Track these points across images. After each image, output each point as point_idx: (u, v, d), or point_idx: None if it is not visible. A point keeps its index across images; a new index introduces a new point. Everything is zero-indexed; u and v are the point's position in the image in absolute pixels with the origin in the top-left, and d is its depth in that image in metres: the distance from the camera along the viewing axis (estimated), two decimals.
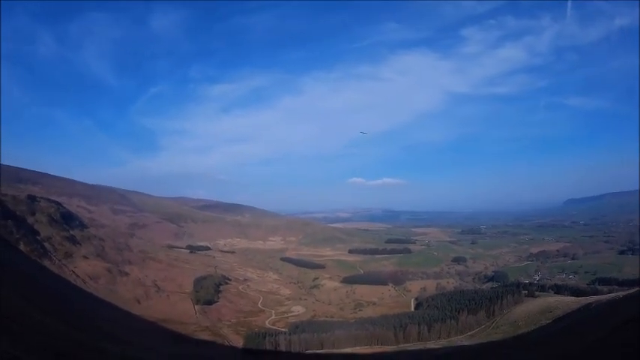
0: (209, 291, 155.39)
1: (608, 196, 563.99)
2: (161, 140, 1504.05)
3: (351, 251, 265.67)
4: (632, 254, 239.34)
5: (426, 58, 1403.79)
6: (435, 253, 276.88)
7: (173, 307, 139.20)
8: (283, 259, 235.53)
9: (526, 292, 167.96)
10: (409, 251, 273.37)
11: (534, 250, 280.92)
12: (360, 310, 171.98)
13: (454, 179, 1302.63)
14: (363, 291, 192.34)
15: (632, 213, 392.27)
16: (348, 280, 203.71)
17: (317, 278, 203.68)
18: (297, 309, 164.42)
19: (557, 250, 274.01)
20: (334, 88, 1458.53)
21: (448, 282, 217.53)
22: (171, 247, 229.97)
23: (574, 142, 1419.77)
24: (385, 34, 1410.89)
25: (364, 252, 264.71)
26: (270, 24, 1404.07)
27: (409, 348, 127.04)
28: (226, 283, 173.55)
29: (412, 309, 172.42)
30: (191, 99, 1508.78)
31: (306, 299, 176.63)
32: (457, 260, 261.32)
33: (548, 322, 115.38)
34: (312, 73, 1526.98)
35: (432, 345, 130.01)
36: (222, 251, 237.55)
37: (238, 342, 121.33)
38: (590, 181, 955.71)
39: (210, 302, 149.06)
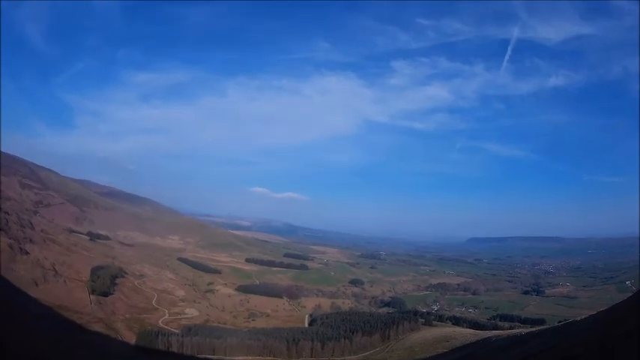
0: (105, 282, 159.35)
1: (512, 239, 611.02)
2: (77, 118, 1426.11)
3: (248, 260, 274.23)
4: (536, 295, 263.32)
5: (350, 83, 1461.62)
6: (332, 272, 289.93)
7: (69, 293, 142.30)
8: (180, 260, 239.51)
9: (423, 320, 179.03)
10: (306, 267, 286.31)
11: (434, 281, 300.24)
12: (253, 320, 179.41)
13: (359, 203, 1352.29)
14: (257, 301, 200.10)
15: (538, 257, 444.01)
16: (243, 289, 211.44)
17: (212, 283, 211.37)
18: (191, 311, 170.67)
19: (458, 284, 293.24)
20: (254, 95, 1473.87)
21: (344, 302, 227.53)
22: (71, 231, 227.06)
23: (484, 185, 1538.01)
24: (314, 52, 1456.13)
25: (261, 262, 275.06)
26: (203, 19, 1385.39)
27: None
28: (122, 277, 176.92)
29: (306, 324, 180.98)
30: (114, 81, 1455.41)
31: (200, 303, 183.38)
32: (354, 282, 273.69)
33: (445, 350, 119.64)
34: (235, 77, 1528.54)
35: None
36: (121, 243, 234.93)
37: (131, 338, 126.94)
38: (495, 223, 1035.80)
39: (105, 294, 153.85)
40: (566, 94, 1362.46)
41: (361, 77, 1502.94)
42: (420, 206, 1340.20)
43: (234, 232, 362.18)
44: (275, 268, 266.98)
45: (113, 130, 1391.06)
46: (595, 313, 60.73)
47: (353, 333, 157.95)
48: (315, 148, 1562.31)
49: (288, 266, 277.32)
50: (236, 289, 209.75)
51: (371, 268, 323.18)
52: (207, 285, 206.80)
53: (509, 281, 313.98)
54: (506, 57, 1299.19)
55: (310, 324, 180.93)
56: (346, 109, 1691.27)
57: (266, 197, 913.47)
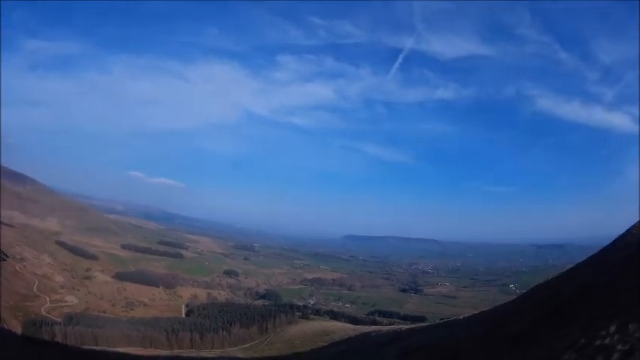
0: None
1: (389, 239, 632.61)
2: None
3: (123, 246, 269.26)
4: (414, 293, 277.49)
5: (234, 72, 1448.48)
6: (206, 262, 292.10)
7: None
8: (58, 243, 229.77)
9: (300, 313, 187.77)
10: (181, 256, 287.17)
11: (309, 275, 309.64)
12: (131, 309, 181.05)
13: (235, 194, 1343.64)
14: (134, 289, 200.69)
15: (415, 257, 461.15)
16: (120, 276, 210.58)
17: (90, 269, 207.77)
18: (71, 299, 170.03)
19: (333, 280, 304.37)
20: (137, 75, 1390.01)
21: (219, 293, 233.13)
22: None
23: (363, 184, 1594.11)
24: (203, 36, 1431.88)
25: (137, 249, 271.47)
26: None
27: (184, 354, 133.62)
28: (4, 259, 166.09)
29: (183, 315, 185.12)
30: (4, 46, 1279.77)
31: (79, 290, 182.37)
32: (229, 273, 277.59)
33: (325, 344, 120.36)
34: (122, 54, 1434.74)
35: (206, 354, 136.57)
36: (2, 223, 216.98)
37: (17, 327, 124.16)
38: (372, 223, 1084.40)
39: None
40: (453, 106, 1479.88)
41: (246, 67, 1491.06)
42: (296, 202, 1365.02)
43: (110, 216, 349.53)
44: (150, 256, 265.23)
45: None
46: (478, 312, 64.91)
47: (231, 324, 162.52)
48: (194, 135, 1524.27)
49: (163, 254, 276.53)
50: (113, 277, 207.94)
51: (245, 259, 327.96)
52: (86, 271, 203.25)
53: (385, 279, 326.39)
54: (396, 65, 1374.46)
55: (187, 314, 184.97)
56: (228, 99, 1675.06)
57: (142, 182, 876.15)
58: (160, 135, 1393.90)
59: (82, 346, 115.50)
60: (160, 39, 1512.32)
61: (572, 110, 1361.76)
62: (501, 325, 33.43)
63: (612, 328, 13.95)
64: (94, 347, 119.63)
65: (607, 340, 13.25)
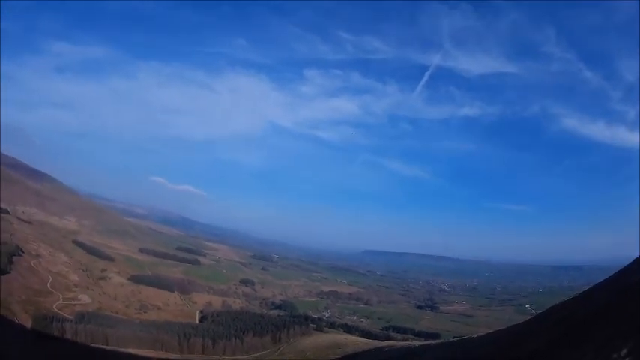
0: (3, 259, 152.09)
1: (408, 255, 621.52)
2: None
3: (141, 250, 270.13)
4: (430, 310, 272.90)
5: (261, 84, 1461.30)
6: (224, 270, 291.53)
7: None
8: (75, 242, 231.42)
9: (314, 325, 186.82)
10: (198, 263, 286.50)
11: (326, 288, 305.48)
12: (144, 312, 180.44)
13: (255, 204, 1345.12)
14: (149, 293, 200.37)
15: (432, 274, 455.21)
16: (136, 279, 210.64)
17: (105, 270, 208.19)
18: (84, 298, 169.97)
19: (350, 293, 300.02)
20: (164, 83, 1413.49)
21: (234, 301, 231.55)
22: None
23: (384, 200, 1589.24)
24: (230, 48, 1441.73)
25: (155, 253, 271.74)
26: None
27: (194, 359, 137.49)
28: (19, 255, 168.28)
29: (197, 321, 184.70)
30: (31, 48, 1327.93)
31: (93, 289, 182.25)
32: (245, 282, 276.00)
33: (337, 356, 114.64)
34: (149, 62, 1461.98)
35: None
36: (20, 219, 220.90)
37: (27, 321, 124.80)
38: (391, 238, 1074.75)
39: (3, 272, 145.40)
40: (477, 124, 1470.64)
41: (273, 80, 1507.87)
42: (316, 214, 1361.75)
43: (129, 219, 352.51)
44: (168, 261, 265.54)
45: (23, 99, 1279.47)
46: (492, 331, 65.01)
47: (244, 333, 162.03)
48: (218, 144, 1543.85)
49: (181, 260, 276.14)
50: (128, 279, 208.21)
51: (262, 269, 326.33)
52: (101, 271, 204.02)
53: (402, 295, 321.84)
54: (422, 81, 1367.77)
55: (201, 320, 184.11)
56: (254, 111, 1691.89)
57: (163, 188, 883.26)
58: (183, 143, 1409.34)
59: (92, 345, 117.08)
60: (188, 49, 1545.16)
61: (596, 130, 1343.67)
62: (516, 345, 31.83)
63: (624, 351, 13.94)
64: (104, 346, 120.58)
65: None
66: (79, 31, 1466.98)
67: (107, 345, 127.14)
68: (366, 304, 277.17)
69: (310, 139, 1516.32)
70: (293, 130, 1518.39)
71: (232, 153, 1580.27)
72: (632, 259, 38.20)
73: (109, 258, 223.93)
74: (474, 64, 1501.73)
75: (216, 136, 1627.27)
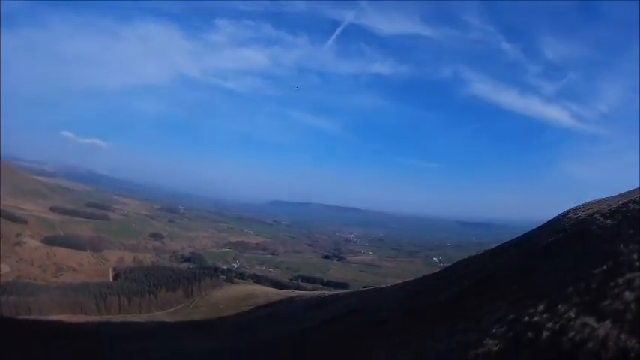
0: None
1: (313, 206, 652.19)
2: None
3: (52, 209, 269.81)
4: (337, 260, 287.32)
5: (170, 33, 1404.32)
6: (133, 225, 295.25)
7: None
8: None
9: (225, 277, 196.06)
10: (108, 218, 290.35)
11: (233, 239, 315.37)
12: (61, 275, 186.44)
13: (164, 155, 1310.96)
14: (63, 254, 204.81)
15: (338, 225, 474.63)
16: (49, 241, 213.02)
17: (20, 234, 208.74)
18: (4, 267, 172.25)
19: (257, 244, 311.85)
20: (74, 32, 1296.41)
21: (145, 256, 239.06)
22: None
23: (290, 151, 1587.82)
24: None
25: (65, 212, 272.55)
26: None
27: (113, 320, 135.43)
28: None
29: (110, 279, 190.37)
30: None
31: (10, 257, 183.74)
32: (155, 236, 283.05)
33: (249, 307, 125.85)
34: (60, 10, 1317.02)
35: (135, 318, 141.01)
36: None
37: None
38: (298, 189, 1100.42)
39: None
40: (388, 82, 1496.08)
41: (183, 29, 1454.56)
42: (224, 165, 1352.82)
43: (39, 178, 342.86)
44: (78, 218, 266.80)
45: None
46: (402, 281, 69.69)
47: (157, 288, 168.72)
48: (126, 94, 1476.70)
49: (90, 216, 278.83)
50: (42, 241, 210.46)
51: (170, 222, 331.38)
52: (16, 236, 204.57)
53: (309, 245, 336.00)
54: (334, 36, 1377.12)
55: (115, 278, 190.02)
56: (162, 60, 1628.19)
57: (72, 142, 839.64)
58: (92, 94, 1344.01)
59: (17, 317, 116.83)
60: None
61: (509, 98, 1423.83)
62: (429, 295, 36.67)
63: (541, 307, 15.51)
64: (27, 316, 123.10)
65: (536, 318, 14.68)
66: None
67: (31, 314, 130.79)
68: (273, 255, 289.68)
69: (218, 89, 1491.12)
70: (201, 80, 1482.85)
71: (140, 103, 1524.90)
72: (538, 221, 46.64)
73: (22, 221, 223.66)
74: (389, 23, 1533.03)
75: (125, 87, 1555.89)
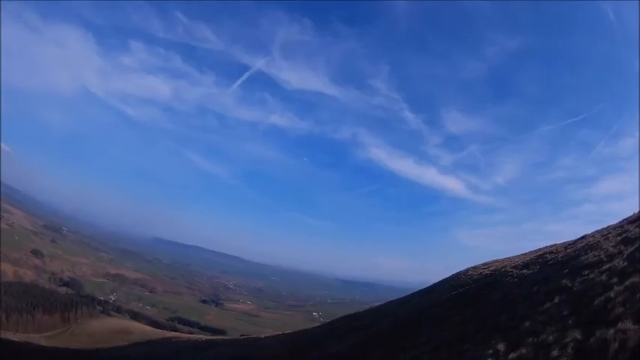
0: None
1: (195, 249, 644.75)
2: None
3: None
4: (215, 306, 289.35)
5: (87, 44, 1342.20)
6: (16, 237, 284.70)
7: None
8: None
9: (101, 308, 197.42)
10: None
11: (113, 270, 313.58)
12: None
13: (53, 167, 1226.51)
14: None
15: (219, 272, 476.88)
16: None
17: None
18: None
19: (136, 279, 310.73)
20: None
21: (26, 272, 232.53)
22: None
23: (180, 189, 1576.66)
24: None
25: None
26: None
27: None
28: None
29: None
30: None
31: None
32: (36, 253, 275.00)
33: (125, 343, 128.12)
34: None
35: (11, 337, 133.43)
36: None
37: None
38: (183, 229, 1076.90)
39: None
40: (285, 135, 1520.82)
41: (98, 43, 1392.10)
42: (110, 192, 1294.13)
43: None
44: None
45: None
46: (281, 333, 71.66)
47: (34, 308, 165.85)
48: (30, 96, 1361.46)
49: None
50: None
51: (52, 241, 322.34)
52: None
53: (188, 287, 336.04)
54: (240, 81, 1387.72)
55: None
56: (72, 69, 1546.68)
57: None
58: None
59: None
60: None
61: (405, 166, 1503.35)
62: (316, 347, 37.00)
63: (444, 354, 17.68)
64: None
65: None
66: None
67: None
68: (151, 292, 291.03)
69: (118, 113, 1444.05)
70: (103, 99, 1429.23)
71: (43, 110, 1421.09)
72: (427, 283, 52.47)
73: None
74: (296, 77, 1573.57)
75: (30, 87, 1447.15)
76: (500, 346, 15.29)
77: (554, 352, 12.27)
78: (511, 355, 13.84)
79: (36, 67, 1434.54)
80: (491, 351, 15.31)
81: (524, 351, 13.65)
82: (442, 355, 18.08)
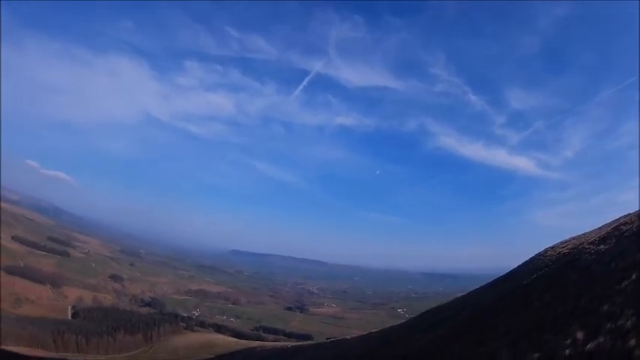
0: None
1: (274, 257, 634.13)
2: None
3: (14, 238, 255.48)
4: (300, 312, 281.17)
5: (141, 70, 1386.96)
6: (93, 264, 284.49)
7: None
8: None
9: (185, 324, 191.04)
10: (68, 255, 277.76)
11: (194, 287, 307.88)
12: (19, 306, 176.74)
13: (123, 194, 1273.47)
14: (22, 285, 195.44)
15: (300, 277, 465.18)
16: (10, 270, 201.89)
17: None
18: None
19: (218, 293, 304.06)
20: (46, 58, 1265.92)
21: (105, 297, 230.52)
22: None
23: (253, 200, 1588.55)
24: (118, 29, 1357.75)
25: (27, 243, 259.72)
26: None
27: (70, 357, 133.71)
28: None
29: (69, 316, 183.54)
30: None
31: None
32: (115, 278, 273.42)
33: (210, 356, 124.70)
34: (35, 35, 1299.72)
35: (89, 358, 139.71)
36: None
37: None
38: (260, 239, 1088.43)
39: None
40: (352, 134, 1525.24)
41: (153, 68, 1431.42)
42: (184, 210, 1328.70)
43: (2, 204, 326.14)
44: (39, 251, 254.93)
45: None
46: (366, 333, 69.92)
47: (116, 330, 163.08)
48: (92, 129, 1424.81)
49: (51, 251, 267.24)
50: (2, 269, 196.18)
51: (131, 265, 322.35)
52: None
53: (271, 296, 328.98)
54: (301, 86, 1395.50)
55: (73, 316, 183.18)
56: (130, 98, 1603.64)
57: (36, 172, 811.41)
58: (58, 124, 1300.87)
59: None
60: (77, 24, 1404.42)
61: (475, 150, 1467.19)
62: (400, 344, 36.51)
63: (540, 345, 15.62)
64: None
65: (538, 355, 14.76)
66: None
67: None
68: (234, 304, 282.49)
69: (183, 133, 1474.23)
70: (166, 122, 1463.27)
71: (106, 141, 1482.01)
72: (507, 269, 47.71)
73: None
74: (356, 75, 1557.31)
75: (92, 121, 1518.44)
76: (579, 335, 14.27)
77: (632, 342, 11.48)
78: (589, 346, 12.97)
79: (93, 99, 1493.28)
80: (569, 340, 14.29)
81: (601, 340, 12.82)
82: (521, 346, 16.67)
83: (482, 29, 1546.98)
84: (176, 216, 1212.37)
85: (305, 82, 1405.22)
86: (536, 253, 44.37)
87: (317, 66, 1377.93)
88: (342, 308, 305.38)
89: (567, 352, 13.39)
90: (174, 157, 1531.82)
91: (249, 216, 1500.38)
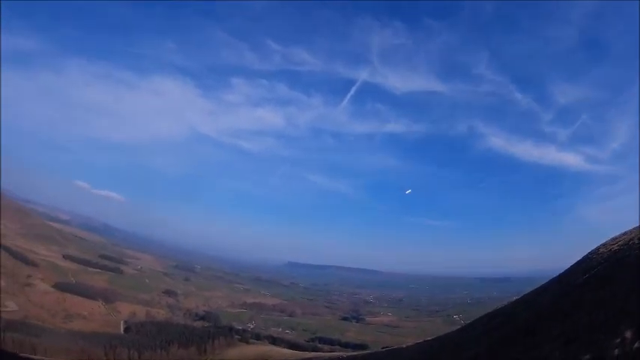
0: None
1: (330, 268, 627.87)
2: None
3: (65, 256, 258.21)
4: (356, 322, 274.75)
5: (186, 89, 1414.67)
6: (146, 280, 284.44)
7: None
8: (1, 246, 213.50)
9: (239, 337, 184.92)
10: (121, 271, 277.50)
11: (249, 300, 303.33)
12: (70, 322, 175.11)
13: (176, 211, 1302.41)
14: (73, 301, 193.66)
15: (356, 287, 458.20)
16: (60, 287, 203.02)
17: (30, 276, 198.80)
18: (11, 305, 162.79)
19: (274, 305, 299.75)
20: (91, 81, 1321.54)
21: (158, 312, 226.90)
22: None
23: (306, 212, 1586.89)
24: (160, 50, 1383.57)
25: (79, 261, 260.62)
26: None
27: None
28: None
29: (122, 331, 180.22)
30: None
31: (18, 296, 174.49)
32: (169, 293, 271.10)
33: None
34: (78, 58, 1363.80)
35: None
36: None
37: None
38: (314, 251, 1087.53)
39: None
40: (402, 141, 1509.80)
41: (198, 86, 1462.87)
42: (239, 225, 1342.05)
43: (53, 224, 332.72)
44: (91, 269, 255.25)
45: None
46: (422, 341, 67.05)
47: (169, 344, 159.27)
48: (140, 149, 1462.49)
49: (104, 268, 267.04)
50: (53, 286, 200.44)
51: (185, 280, 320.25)
52: (26, 278, 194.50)
53: (326, 307, 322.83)
54: (348, 96, 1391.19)
55: (126, 331, 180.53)
56: (177, 116, 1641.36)
57: (86, 192, 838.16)
58: (107, 145, 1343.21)
59: (20, 354, 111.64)
60: (118, 47, 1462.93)
61: (524, 149, 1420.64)
62: (454, 352, 35.61)
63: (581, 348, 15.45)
64: (32, 356, 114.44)
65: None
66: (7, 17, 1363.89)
67: (35, 355, 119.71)
68: (290, 316, 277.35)
69: (232, 149, 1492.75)
70: (215, 139, 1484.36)
71: (154, 158, 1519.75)
72: (560, 270, 44.31)
73: (33, 264, 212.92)
74: (401, 81, 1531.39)
75: (138, 140, 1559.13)
76: (628, 334, 14.35)
77: None
78: (636, 344, 13.22)
79: (141, 119, 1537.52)
80: (618, 340, 14.32)
81: None
82: (573, 348, 16.65)
83: (519, 25, 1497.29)
84: (230, 231, 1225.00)
85: (352, 92, 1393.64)
86: (589, 251, 42.83)
87: (362, 74, 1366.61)
88: (398, 317, 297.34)
89: (616, 351, 13.62)
90: (226, 173, 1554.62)
91: (304, 228, 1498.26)
